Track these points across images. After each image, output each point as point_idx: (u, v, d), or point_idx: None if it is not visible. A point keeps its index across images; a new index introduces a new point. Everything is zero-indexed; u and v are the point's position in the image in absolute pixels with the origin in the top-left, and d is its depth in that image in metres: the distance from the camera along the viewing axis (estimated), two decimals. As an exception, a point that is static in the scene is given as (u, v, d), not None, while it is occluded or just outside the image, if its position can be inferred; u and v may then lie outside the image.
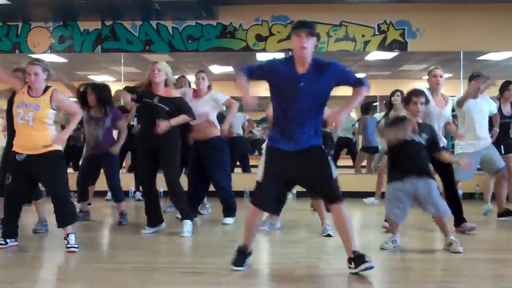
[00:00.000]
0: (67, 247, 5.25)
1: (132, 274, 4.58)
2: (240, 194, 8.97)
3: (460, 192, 8.20)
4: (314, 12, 9.73)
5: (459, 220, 6.24)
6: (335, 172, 4.51)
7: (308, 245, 5.77)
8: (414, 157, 5.27)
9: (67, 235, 5.31)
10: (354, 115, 12.83)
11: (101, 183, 7.58)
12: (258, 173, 4.56)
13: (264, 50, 9.91)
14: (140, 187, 8.94)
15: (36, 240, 5.95)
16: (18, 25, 10.12)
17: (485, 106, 7.07)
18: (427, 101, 5.50)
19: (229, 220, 6.94)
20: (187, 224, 6.16)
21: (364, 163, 11.07)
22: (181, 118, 6.16)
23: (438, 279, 4.61)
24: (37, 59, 5.43)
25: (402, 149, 5.27)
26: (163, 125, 5.97)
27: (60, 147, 5.44)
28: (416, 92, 5.49)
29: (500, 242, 6.16)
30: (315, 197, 5.85)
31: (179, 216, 6.51)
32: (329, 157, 4.58)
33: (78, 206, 7.01)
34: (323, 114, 4.54)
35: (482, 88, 6.92)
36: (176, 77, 7.68)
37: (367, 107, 10.71)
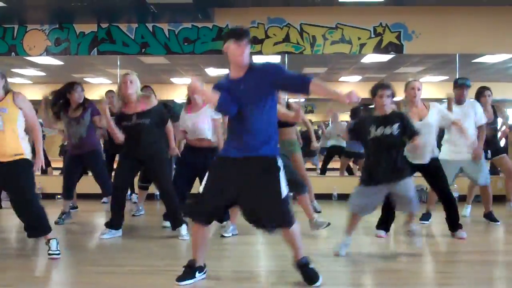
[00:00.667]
0: (49, 254, 5.12)
1: (128, 277, 4.58)
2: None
3: (456, 194, 8.27)
4: (310, 15, 9.77)
5: (454, 226, 6.21)
6: (286, 189, 4.11)
7: (306, 247, 5.76)
8: (386, 157, 5.09)
9: (48, 240, 5.17)
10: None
11: (97, 186, 7.58)
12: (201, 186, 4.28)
13: (260, 52, 9.91)
14: (136, 189, 8.97)
15: (31, 243, 5.94)
16: (14, 28, 10.10)
17: (470, 112, 6.93)
18: (393, 94, 5.26)
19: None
20: (183, 228, 6.16)
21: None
22: (171, 138, 6.33)
23: (430, 281, 4.62)
24: None
25: (372, 148, 5.18)
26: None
27: (29, 157, 5.18)
28: (381, 85, 5.30)
29: (488, 244, 6.18)
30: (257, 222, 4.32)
31: (166, 225, 6.60)
32: (281, 172, 4.12)
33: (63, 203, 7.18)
34: (274, 122, 4.22)
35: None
36: (174, 79, 7.72)
37: (356, 112, 10.73)
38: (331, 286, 4.34)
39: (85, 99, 7.14)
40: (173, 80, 14.08)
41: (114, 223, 6.26)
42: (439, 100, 7.06)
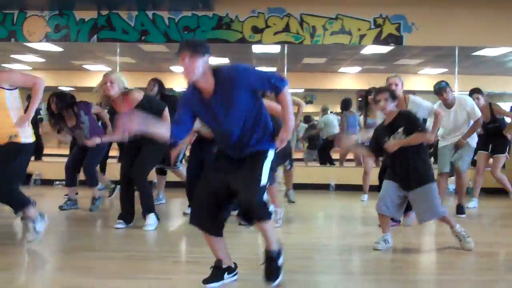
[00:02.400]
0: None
1: (126, 262, 4.60)
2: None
3: (452, 187, 8.32)
4: (310, 5, 9.76)
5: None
6: (266, 180, 3.76)
7: (302, 237, 5.80)
8: (403, 161, 5.01)
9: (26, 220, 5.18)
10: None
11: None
12: None
13: (260, 42, 9.91)
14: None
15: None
16: (14, 13, 10.07)
17: (461, 113, 6.98)
18: (393, 96, 5.12)
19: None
20: (151, 217, 6.01)
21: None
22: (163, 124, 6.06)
23: (427, 271, 4.65)
24: None
25: (389, 157, 5.18)
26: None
27: (27, 140, 5.04)
28: (377, 90, 5.28)
29: (486, 236, 6.21)
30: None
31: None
32: (267, 163, 3.80)
33: (67, 191, 7.22)
34: (263, 120, 3.84)
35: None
36: (173, 67, 7.71)
37: (346, 103, 10.77)
38: (330, 275, 4.39)
39: (72, 104, 7.05)
40: (173, 68, 14.05)
41: (124, 216, 6.11)
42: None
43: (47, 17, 10.06)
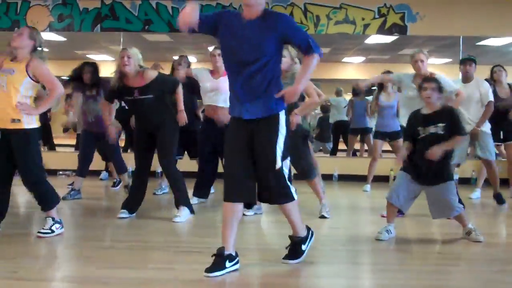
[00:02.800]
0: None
1: (129, 252, 4.61)
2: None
3: (456, 176, 8.29)
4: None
5: None
6: (280, 160, 3.94)
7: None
8: (427, 159, 4.90)
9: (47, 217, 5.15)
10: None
11: (95, 163, 7.67)
12: None
13: (263, 31, 9.87)
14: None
15: (34, 218, 5.99)
16: (17, 3, 10.07)
17: (474, 92, 6.99)
18: (439, 88, 5.00)
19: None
20: (183, 209, 6.00)
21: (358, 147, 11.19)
22: (180, 100, 6.07)
23: (433, 262, 4.64)
24: (33, 27, 5.32)
25: (418, 146, 5.03)
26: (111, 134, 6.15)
27: (31, 125, 5.00)
28: (426, 78, 5.20)
29: (491, 226, 6.21)
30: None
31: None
32: (281, 138, 3.94)
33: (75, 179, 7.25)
34: (275, 75, 3.97)
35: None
36: (176, 57, 7.66)
37: (357, 91, 10.71)
38: (332, 265, 4.40)
39: (100, 78, 7.19)
40: (176, 58, 14.03)
41: (128, 205, 6.11)
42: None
43: (50, 7, 10.05)
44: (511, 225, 6.29)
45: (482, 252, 4.88)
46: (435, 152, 4.84)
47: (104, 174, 9.31)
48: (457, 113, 5.15)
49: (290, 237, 4.29)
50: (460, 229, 5.24)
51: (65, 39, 11.27)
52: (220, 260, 3.93)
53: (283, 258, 4.25)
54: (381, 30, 9.84)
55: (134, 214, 6.11)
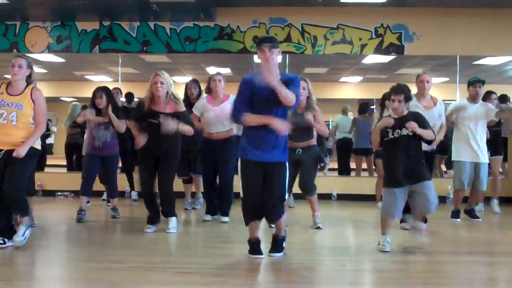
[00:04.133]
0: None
1: (127, 273, 4.59)
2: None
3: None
4: (311, 15, 9.79)
5: None
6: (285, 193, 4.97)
7: (303, 244, 5.79)
8: (404, 157, 5.30)
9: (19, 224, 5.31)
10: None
11: (97, 183, 7.67)
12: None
13: (261, 52, 9.91)
14: (135, 186, 9.06)
15: (31, 238, 5.96)
16: (16, 25, 10.13)
17: (482, 111, 7.18)
18: (407, 99, 5.36)
19: (226, 219, 7.07)
20: (173, 221, 6.32)
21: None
22: (187, 128, 6.14)
23: (419, 281, 4.61)
24: (24, 55, 5.45)
25: (391, 150, 5.39)
26: (170, 125, 5.97)
27: (36, 146, 5.33)
28: (394, 90, 5.43)
29: (480, 243, 6.19)
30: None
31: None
32: (286, 177, 4.95)
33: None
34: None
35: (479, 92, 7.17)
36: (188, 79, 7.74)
37: (362, 108, 10.73)
38: (328, 281, 4.39)
39: (114, 105, 7.21)
40: (174, 78, 14.04)
41: (153, 220, 6.40)
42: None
43: (49, 28, 10.11)
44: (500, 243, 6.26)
45: (475, 271, 4.86)
46: (413, 125, 5.22)
47: (106, 195, 9.26)
48: (421, 115, 5.51)
49: (274, 235, 5.16)
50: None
51: (63, 60, 11.34)
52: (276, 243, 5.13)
53: (269, 252, 5.09)
54: (378, 50, 9.89)
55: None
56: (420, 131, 5.24)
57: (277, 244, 5.12)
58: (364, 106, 10.72)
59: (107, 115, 7.03)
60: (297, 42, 9.84)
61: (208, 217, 7.18)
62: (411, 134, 5.27)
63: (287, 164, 4.94)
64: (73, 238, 6.11)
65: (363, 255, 5.39)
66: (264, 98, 4.75)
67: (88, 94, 7.38)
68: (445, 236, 6.53)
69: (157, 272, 4.62)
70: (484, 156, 7.21)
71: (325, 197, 9.43)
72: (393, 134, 5.32)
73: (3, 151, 5.19)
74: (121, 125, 7.08)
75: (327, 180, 10.33)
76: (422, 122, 5.35)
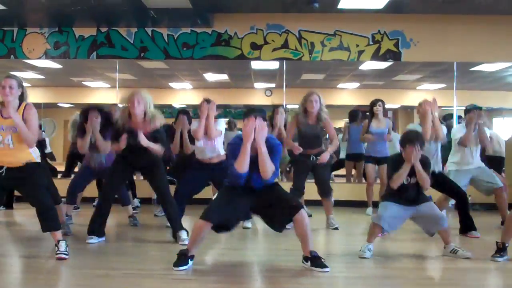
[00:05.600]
0: (57, 253, 5.21)
1: (124, 280, 4.58)
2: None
3: (452, 202, 8.33)
4: (309, 21, 9.80)
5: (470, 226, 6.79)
6: None
7: (296, 250, 5.78)
8: (412, 191, 5.53)
9: (58, 241, 5.27)
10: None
11: (89, 190, 7.65)
12: None
13: (258, 58, 9.94)
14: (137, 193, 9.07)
15: (27, 246, 5.95)
16: (13, 31, 10.13)
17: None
18: (421, 144, 5.48)
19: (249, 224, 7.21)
20: (184, 233, 6.13)
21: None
22: (156, 147, 6.02)
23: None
24: (14, 75, 5.34)
25: (400, 189, 5.53)
26: (143, 141, 5.87)
27: (38, 159, 5.36)
28: (409, 140, 5.47)
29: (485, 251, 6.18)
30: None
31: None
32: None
33: (64, 208, 6.99)
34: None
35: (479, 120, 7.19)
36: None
37: (353, 115, 10.62)
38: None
39: (108, 125, 6.81)
40: (172, 85, 14.09)
41: (95, 230, 6.21)
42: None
43: (46, 34, 10.10)
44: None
45: (475, 278, 4.86)
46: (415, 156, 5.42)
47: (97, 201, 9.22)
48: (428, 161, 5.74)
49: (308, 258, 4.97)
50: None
51: (61, 66, 11.33)
52: (184, 258, 4.95)
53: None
54: (376, 56, 9.90)
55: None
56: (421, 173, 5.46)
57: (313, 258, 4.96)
58: (354, 113, 10.62)
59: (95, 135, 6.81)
60: (294, 48, 9.85)
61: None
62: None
63: None
64: (69, 245, 6.07)
65: (356, 261, 5.39)
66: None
67: (86, 100, 7.39)
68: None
69: (154, 279, 4.61)
70: None
71: (321, 203, 9.39)
72: (408, 181, 5.52)
73: (4, 168, 5.18)
74: (105, 147, 6.82)
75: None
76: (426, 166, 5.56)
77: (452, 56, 9.91)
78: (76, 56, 10.11)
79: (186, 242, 5.89)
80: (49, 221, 5.26)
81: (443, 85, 12.40)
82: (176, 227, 6.21)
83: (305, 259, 4.94)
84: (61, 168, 10.85)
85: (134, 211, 7.89)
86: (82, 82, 13.88)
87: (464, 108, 7.43)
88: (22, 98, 5.28)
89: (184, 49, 9.97)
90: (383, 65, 10.88)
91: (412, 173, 5.46)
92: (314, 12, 9.58)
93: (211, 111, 6.66)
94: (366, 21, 9.76)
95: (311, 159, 7.04)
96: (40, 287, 4.55)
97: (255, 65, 10.94)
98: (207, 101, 6.75)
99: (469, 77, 11.50)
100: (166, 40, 9.98)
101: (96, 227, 6.20)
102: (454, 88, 10.21)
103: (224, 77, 12.99)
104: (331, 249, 6.11)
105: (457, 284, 4.68)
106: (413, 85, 13.69)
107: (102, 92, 13.85)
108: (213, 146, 6.78)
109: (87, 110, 6.84)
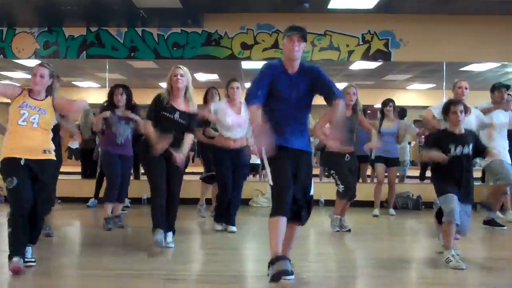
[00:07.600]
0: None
1: (116, 280, 4.57)
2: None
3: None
4: (299, 21, 9.67)
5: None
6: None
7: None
8: (460, 176, 5.09)
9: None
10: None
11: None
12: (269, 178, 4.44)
13: (249, 58, 9.95)
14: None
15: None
16: (3, 30, 10.09)
17: (502, 118, 7.39)
18: (466, 109, 5.35)
19: (234, 228, 6.77)
20: (170, 235, 5.95)
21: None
22: (188, 145, 5.86)
23: (414, 287, 4.64)
24: (47, 64, 5.25)
25: (446, 166, 5.09)
26: (179, 159, 5.66)
27: (54, 157, 5.08)
28: (454, 101, 5.29)
29: (483, 251, 6.22)
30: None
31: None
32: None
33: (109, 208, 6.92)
34: (308, 119, 4.73)
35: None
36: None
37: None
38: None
39: (132, 104, 7.05)
40: (162, 84, 14.01)
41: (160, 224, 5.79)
42: (425, 108, 7.11)
43: (36, 34, 10.07)
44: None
45: (473, 277, 4.88)
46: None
47: (92, 202, 9.14)
48: (476, 134, 5.56)
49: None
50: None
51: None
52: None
53: None
54: (366, 56, 9.94)
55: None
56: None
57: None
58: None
59: (127, 114, 6.87)
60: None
61: (219, 227, 6.86)
62: (471, 153, 5.14)
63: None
64: (61, 246, 6.06)
65: (353, 262, 5.41)
66: (288, 97, 4.48)
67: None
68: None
69: (146, 279, 4.61)
70: None
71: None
72: (455, 151, 5.09)
73: (23, 159, 4.84)
74: (138, 120, 6.81)
75: (315, 187, 10.32)
76: (479, 141, 5.31)
77: (441, 56, 9.98)
78: (66, 56, 10.08)
79: (171, 245, 5.82)
80: (38, 233, 5.08)
81: (433, 85, 12.48)
82: (170, 228, 5.96)
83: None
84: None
85: (123, 211, 7.80)
86: (72, 82, 13.83)
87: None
88: (50, 89, 5.12)
89: (175, 49, 9.96)
90: (373, 65, 10.93)
91: (463, 141, 5.10)
92: (304, 12, 9.60)
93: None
94: (356, 21, 9.79)
95: (346, 158, 6.77)
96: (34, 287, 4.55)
97: (246, 65, 10.95)
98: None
99: (458, 77, 11.52)
100: (157, 40, 9.98)
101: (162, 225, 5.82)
102: (444, 88, 10.26)
103: (214, 77, 12.99)
104: (323, 249, 6.10)
105: (448, 284, 4.71)
106: (403, 85, 13.76)
107: (92, 92, 13.84)
108: (240, 121, 6.68)
109: (114, 87, 7.02)
